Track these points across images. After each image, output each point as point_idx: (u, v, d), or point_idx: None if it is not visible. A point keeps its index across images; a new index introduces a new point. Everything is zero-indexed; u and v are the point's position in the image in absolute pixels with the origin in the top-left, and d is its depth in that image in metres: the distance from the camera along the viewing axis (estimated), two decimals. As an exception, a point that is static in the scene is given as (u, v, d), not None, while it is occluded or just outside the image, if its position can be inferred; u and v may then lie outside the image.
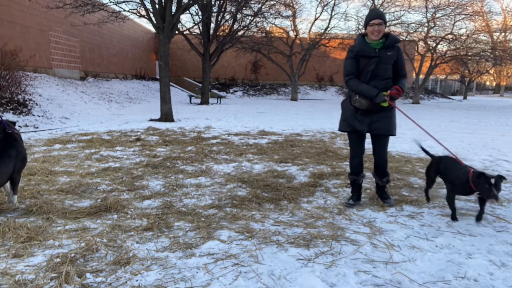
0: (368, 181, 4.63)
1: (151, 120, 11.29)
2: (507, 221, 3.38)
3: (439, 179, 3.77)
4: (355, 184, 3.83)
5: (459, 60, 26.04)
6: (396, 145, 7.43)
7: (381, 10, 4.20)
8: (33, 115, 9.93)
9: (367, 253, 2.69)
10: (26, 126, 8.95)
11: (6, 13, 12.23)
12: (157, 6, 11.06)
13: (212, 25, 18.44)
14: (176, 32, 13.23)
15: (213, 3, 17.21)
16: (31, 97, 10.87)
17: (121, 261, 2.45)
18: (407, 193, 4.19)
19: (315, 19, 24.80)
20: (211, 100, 20.47)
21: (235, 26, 19.19)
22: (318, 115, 13.94)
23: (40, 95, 11.45)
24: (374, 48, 3.53)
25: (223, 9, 17.93)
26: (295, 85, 24.38)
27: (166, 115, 11.26)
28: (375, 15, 3.51)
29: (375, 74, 3.56)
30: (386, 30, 3.60)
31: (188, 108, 16.73)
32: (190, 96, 20.61)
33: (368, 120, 3.64)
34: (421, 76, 27.25)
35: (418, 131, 10.05)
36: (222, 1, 17.41)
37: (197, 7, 17.93)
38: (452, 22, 23.63)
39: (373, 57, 3.52)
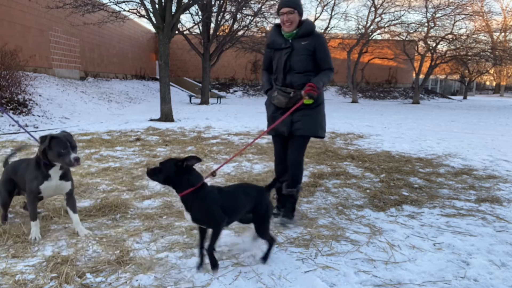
0: (368, 181, 4.63)
1: (151, 120, 11.29)
2: (507, 221, 3.38)
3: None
4: (281, 193, 3.43)
5: (459, 60, 26.08)
6: (396, 145, 7.43)
7: None
8: (33, 115, 9.93)
9: (367, 253, 2.69)
10: (26, 126, 8.95)
11: (6, 13, 12.23)
12: (157, 6, 11.06)
13: (212, 25, 18.46)
14: (176, 32, 13.22)
15: (213, 3, 17.21)
16: (31, 97, 10.87)
17: (121, 261, 2.45)
18: (407, 193, 4.19)
19: (315, 19, 24.81)
20: (211, 100, 20.48)
21: (235, 26, 19.20)
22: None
23: (40, 95, 11.45)
24: (286, 39, 3.22)
25: (223, 9, 17.93)
26: (295, 85, 24.32)
27: (166, 115, 11.27)
28: (284, 3, 3.15)
29: (290, 67, 3.21)
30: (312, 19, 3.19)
31: (188, 108, 16.73)
32: (190, 96, 20.62)
33: (289, 119, 3.21)
34: (421, 76, 27.26)
35: (418, 131, 10.05)
36: (222, 1, 17.41)
37: (197, 7, 17.93)
38: (452, 22, 23.69)
39: (284, 49, 3.22)
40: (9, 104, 9.73)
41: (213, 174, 2.61)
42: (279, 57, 3.25)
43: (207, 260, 2.47)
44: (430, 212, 3.57)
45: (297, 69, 3.19)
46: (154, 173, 2.29)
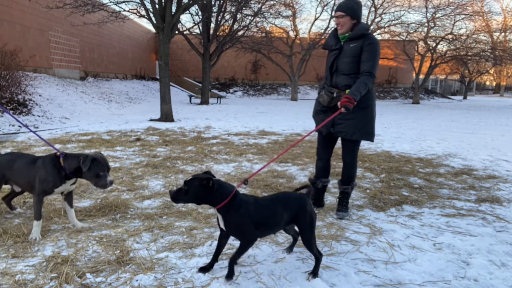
0: (368, 181, 4.63)
1: (151, 120, 11.29)
2: (507, 221, 3.38)
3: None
4: (314, 188, 3.57)
5: (459, 60, 26.07)
6: (396, 145, 7.43)
7: (352, 2, 3.34)
8: (33, 115, 9.93)
9: (367, 253, 2.69)
10: (26, 126, 8.95)
11: (6, 13, 12.23)
12: (157, 6, 11.06)
13: (212, 25, 18.45)
14: (176, 32, 13.22)
15: (213, 3, 17.21)
16: (31, 97, 10.87)
17: (121, 261, 2.45)
18: (407, 193, 4.19)
19: (315, 19, 24.86)
20: (211, 100, 20.48)
21: (235, 26, 19.20)
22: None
23: (40, 95, 11.45)
24: (338, 41, 3.34)
25: (223, 9, 17.93)
26: (295, 85, 24.40)
27: (166, 115, 11.27)
28: (337, 7, 3.32)
29: (336, 69, 3.33)
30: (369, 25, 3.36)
31: (188, 108, 16.73)
32: (190, 96, 20.62)
33: (331, 120, 3.32)
34: (421, 76, 27.26)
35: (418, 131, 10.05)
36: (222, 1, 17.41)
37: (197, 7, 17.93)
38: (452, 22, 23.69)
39: (334, 50, 3.34)
40: (9, 104, 9.73)
41: (245, 182, 2.46)
42: (329, 57, 3.40)
43: (207, 260, 2.47)
44: (430, 212, 3.57)
45: (342, 71, 3.30)
46: (179, 196, 2.16)
